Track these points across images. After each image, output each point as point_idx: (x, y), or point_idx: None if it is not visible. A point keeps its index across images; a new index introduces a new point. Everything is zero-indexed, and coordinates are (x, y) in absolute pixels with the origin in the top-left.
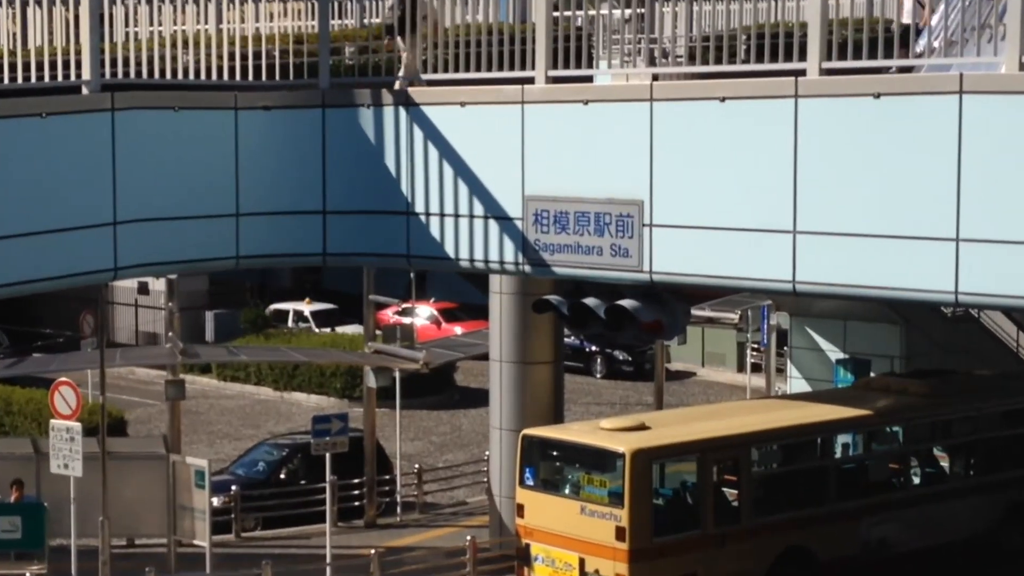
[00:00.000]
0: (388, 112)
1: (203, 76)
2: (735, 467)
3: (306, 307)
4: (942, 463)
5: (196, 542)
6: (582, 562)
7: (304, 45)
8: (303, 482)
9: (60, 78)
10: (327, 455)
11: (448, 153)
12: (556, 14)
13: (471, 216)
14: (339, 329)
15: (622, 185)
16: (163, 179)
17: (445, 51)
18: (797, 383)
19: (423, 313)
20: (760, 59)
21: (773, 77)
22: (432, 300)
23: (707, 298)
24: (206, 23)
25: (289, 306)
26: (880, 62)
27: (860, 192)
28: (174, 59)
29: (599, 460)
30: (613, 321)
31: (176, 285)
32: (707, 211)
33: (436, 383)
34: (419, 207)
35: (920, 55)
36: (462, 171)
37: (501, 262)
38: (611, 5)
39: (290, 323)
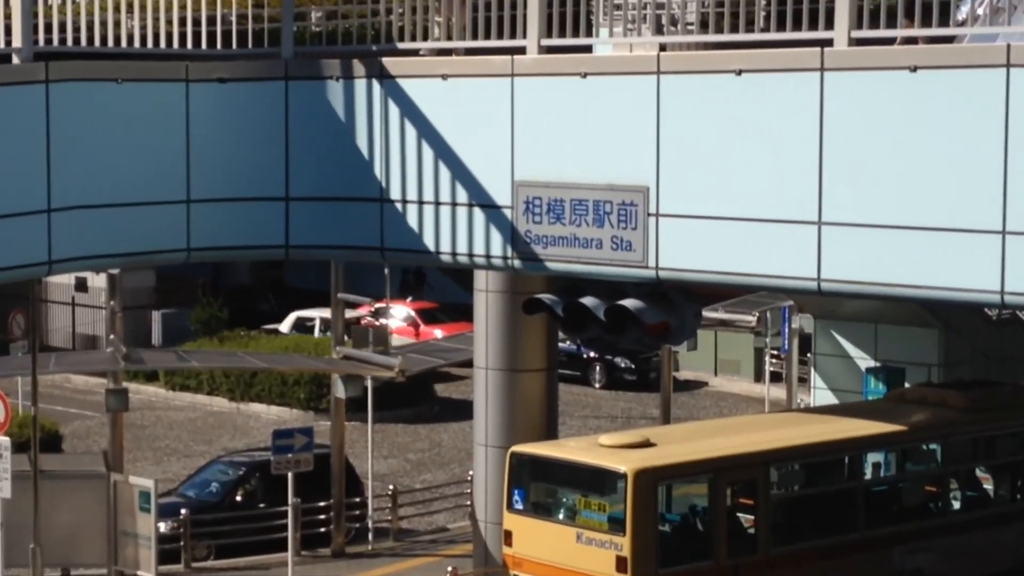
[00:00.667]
0: (360, 85)
1: (150, 44)
2: (752, 489)
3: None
4: (985, 485)
5: (140, 573)
6: None
7: (265, 9)
8: (262, 505)
9: None
10: (289, 474)
11: (427, 132)
12: None
13: (453, 204)
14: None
15: (625, 169)
16: (104, 161)
17: (424, 17)
18: (822, 394)
19: (399, 313)
20: (781, 27)
21: (796, 48)
22: (409, 299)
23: (720, 298)
24: None
25: (315, 313)
26: (917, 31)
27: (894, 178)
28: (117, 24)
29: (598, 481)
30: (614, 323)
31: (119, 281)
32: (721, 199)
33: (413, 393)
34: (394, 193)
35: (962, 23)
36: (443, 153)
37: (487, 256)
38: None
39: (316, 334)
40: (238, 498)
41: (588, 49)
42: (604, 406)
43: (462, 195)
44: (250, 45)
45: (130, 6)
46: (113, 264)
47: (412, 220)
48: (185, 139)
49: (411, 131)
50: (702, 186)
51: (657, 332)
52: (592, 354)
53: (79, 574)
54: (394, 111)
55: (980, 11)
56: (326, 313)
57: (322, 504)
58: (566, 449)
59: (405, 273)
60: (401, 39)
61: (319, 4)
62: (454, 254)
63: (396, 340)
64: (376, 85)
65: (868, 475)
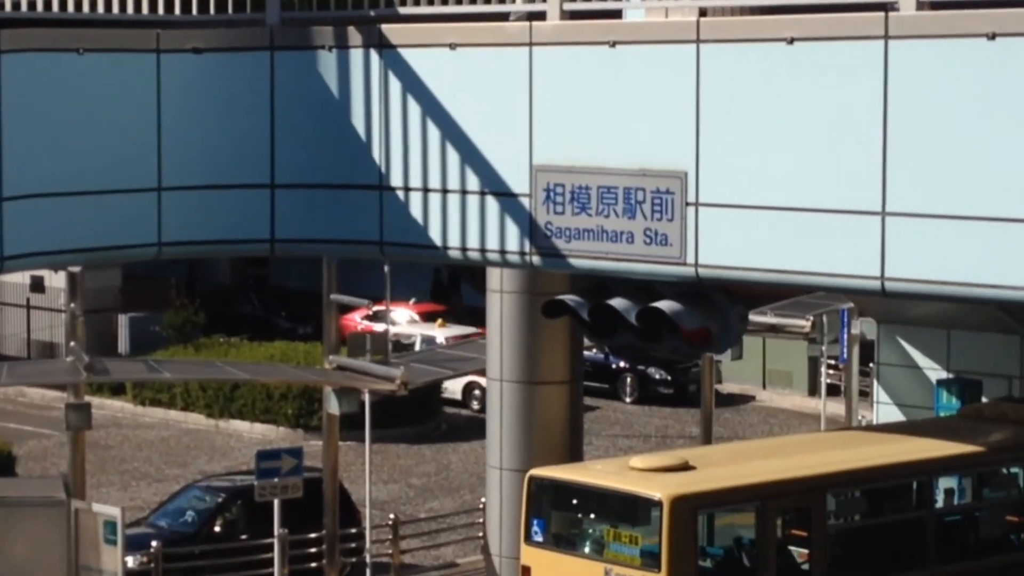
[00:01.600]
0: (356, 56)
1: (115, 9)
2: (805, 519)
3: (439, 331)
4: None
5: None
6: None
7: None
8: (244, 537)
9: None
10: (275, 502)
11: (434, 110)
12: None
13: (463, 192)
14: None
15: (659, 152)
16: (63, 143)
17: None
18: (886, 410)
19: (400, 318)
20: None
21: (857, 12)
22: (412, 301)
23: (770, 299)
24: None
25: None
26: None
27: (970, 162)
28: None
29: (629, 509)
30: (647, 329)
31: (80, 280)
32: (769, 186)
33: (417, 409)
34: (396, 180)
35: None
36: (452, 133)
37: (502, 252)
38: None
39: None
40: (217, 529)
41: (618, 14)
42: (636, 424)
43: (473, 182)
44: (230, 10)
45: None
46: (73, 261)
47: (416, 211)
48: (156, 118)
49: (415, 108)
50: (748, 171)
51: (696, 339)
52: (622, 364)
53: None
54: (395, 86)
55: None
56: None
57: (313, 536)
58: (592, 473)
59: (438, 273)
60: (403, 3)
61: None
62: (464, 249)
63: (417, 342)
64: (374, 56)
65: (939, 503)
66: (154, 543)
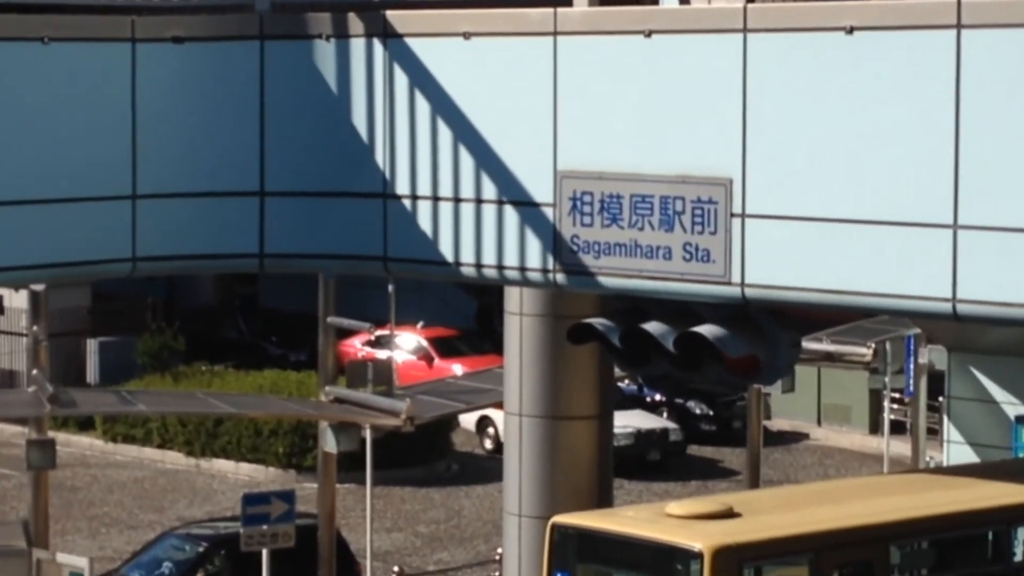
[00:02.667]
0: (357, 46)
1: None
2: (866, 574)
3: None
4: None
5: None
6: None
7: None
8: None
9: None
10: (264, 552)
11: (445, 108)
12: None
13: (478, 201)
14: None
15: (701, 156)
16: (26, 144)
17: None
18: (958, 450)
19: (406, 343)
20: None
21: None
22: (420, 325)
23: (826, 324)
24: None
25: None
26: None
27: None
28: None
29: (664, 562)
30: (687, 356)
31: (44, 301)
32: (826, 195)
33: (425, 447)
34: (402, 187)
35: None
36: (465, 134)
37: (522, 268)
38: None
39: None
40: None
41: (654, 0)
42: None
43: (489, 189)
44: None
45: None
46: (36, 278)
47: (424, 222)
48: (130, 116)
49: (423, 106)
50: (802, 178)
51: (743, 368)
52: (658, 397)
53: None
54: (401, 80)
55: None
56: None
57: None
58: (624, 521)
59: (483, 296)
60: None
61: None
62: (479, 266)
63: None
64: (378, 46)
65: (1019, 556)
66: None
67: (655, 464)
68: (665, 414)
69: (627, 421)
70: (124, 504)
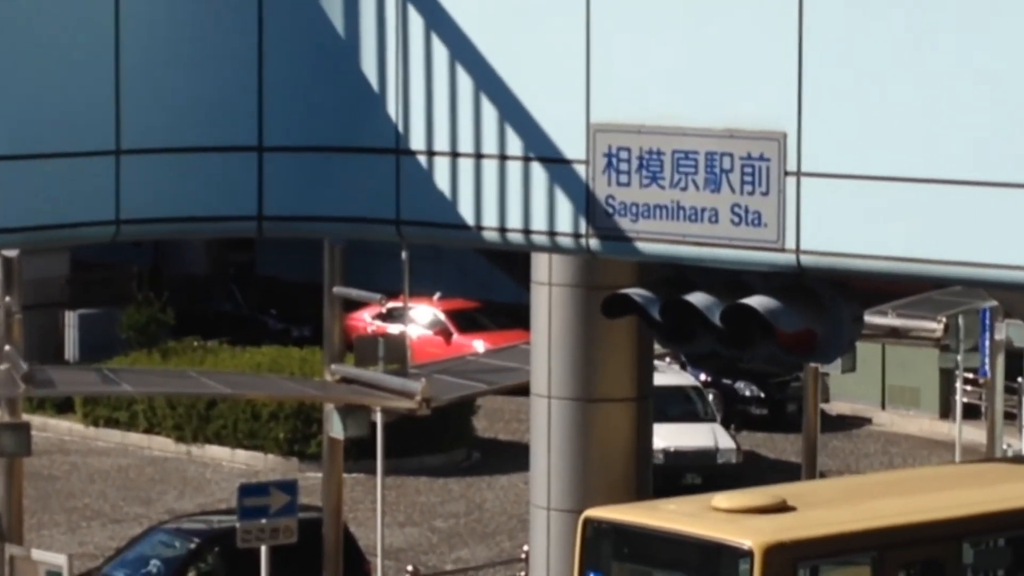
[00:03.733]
0: None
1: None
2: (937, 574)
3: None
4: None
5: None
6: None
7: None
8: None
9: None
10: (263, 548)
11: (465, 52)
12: None
13: (502, 157)
14: None
15: (752, 106)
16: None
17: None
18: None
19: (422, 317)
20: None
21: None
22: (437, 296)
23: (891, 296)
24: None
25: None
26: None
27: None
28: None
29: (710, 560)
30: (735, 332)
31: (17, 268)
32: (895, 150)
33: (443, 433)
34: (417, 142)
35: None
36: (488, 82)
37: (551, 233)
38: None
39: None
40: None
41: None
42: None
43: (515, 144)
44: None
45: None
46: (9, 243)
47: (442, 180)
48: (113, 61)
49: (441, 50)
50: (866, 131)
51: (798, 345)
52: (703, 377)
53: None
54: (416, 21)
55: None
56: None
57: None
58: (664, 515)
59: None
60: None
61: None
62: (503, 230)
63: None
64: None
65: None
66: None
67: (694, 488)
68: (719, 417)
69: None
70: (107, 495)
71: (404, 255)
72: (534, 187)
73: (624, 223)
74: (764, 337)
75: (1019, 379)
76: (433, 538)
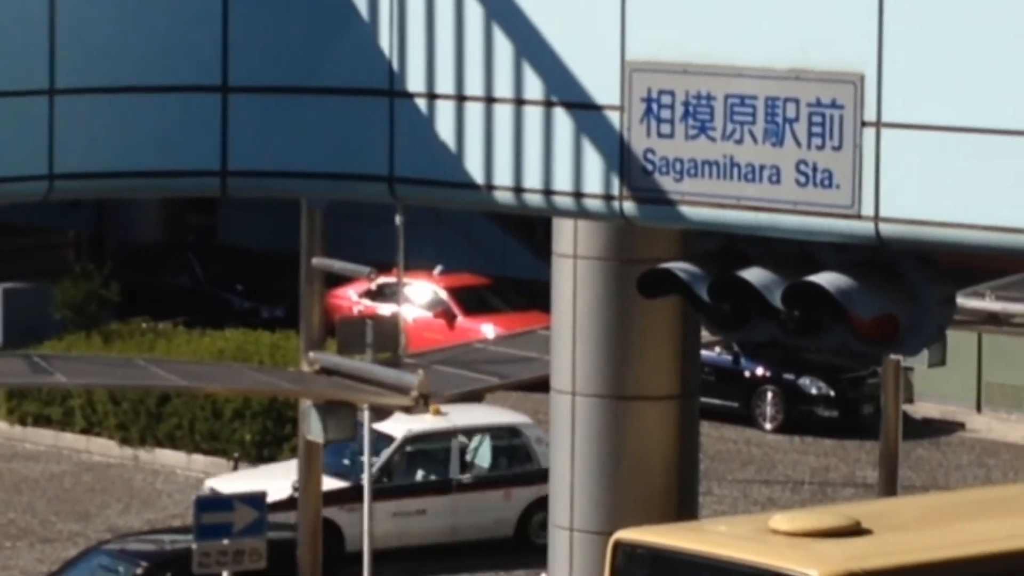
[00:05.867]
0: None
1: None
2: None
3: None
4: None
5: None
6: None
7: None
8: None
9: None
10: (224, 575)
11: None
12: None
13: (518, 102)
14: None
15: (822, 42)
16: None
17: None
18: None
19: (419, 295)
20: None
21: None
22: (438, 270)
23: (989, 276)
24: None
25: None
26: None
27: None
28: None
29: None
30: (800, 316)
31: None
32: (996, 97)
33: None
34: (414, 83)
35: None
36: (501, 11)
37: (577, 194)
38: None
39: None
40: None
41: None
42: (781, 462)
43: (533, 86)
44: None
45: None
46: None
47: (445, 129)
48: None
49: None
50: (965, 70)
51: (876, 333)
52: (760, 370)
53: None
54: None
55: None
56: None
57: None
58: (712, 538)
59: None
60: None
61: None
62: (518, 190)
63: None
64: None
65: None
66: None
67: None
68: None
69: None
70: (36, 509)
71: (398, 220)
72: (557, 138)
73: (666, 183)
74: (835, 323)
75: None
76: (430, 561)
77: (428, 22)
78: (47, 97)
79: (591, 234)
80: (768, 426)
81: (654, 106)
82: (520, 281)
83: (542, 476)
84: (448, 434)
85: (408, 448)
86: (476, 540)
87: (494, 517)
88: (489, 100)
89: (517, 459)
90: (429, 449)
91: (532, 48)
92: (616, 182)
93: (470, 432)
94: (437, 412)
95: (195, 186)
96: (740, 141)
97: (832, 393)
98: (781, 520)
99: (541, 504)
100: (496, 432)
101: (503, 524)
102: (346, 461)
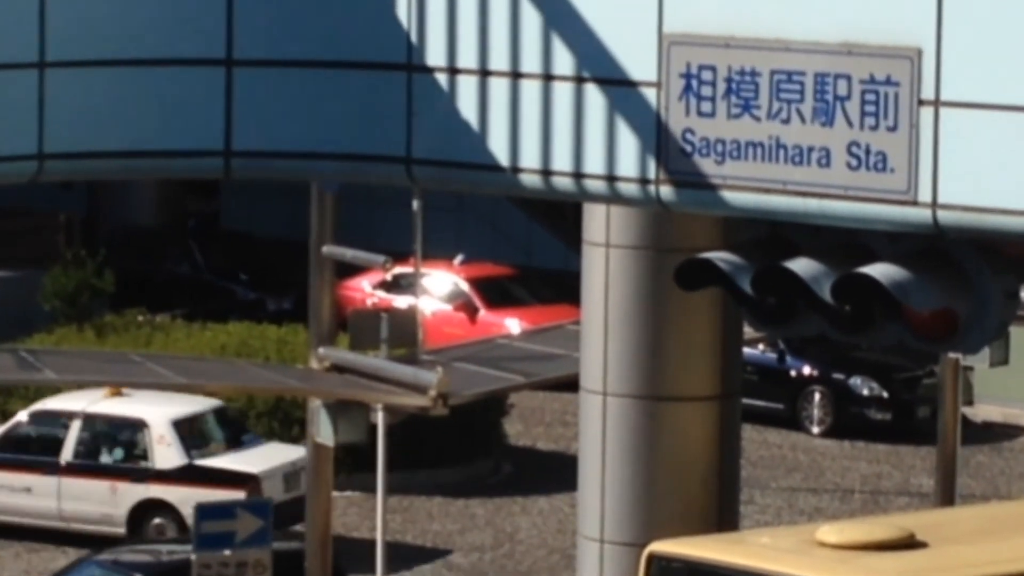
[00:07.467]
0: None
1: None
2: None
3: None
4: None
5: None
6: None
7: None
8: None
9: None
10: None
11: None
12: None
13: (546, 77)
14: None
15: (876, 14)
16: None
17: None
18: None
19: (438, 286)
20: None
21: None
22: (458, 260)
23: None
24: None
25: None
26: None
27: None
28: None
29: None
30: (851, 311)
31: None
32: None
33: (464, 440)
34: (434, 55)
35: None
36: None
37: (610, 178)
38: None
39: None
40: None
41: None
42: (830, 468)
43: (563, 61)
44: None
45: None
46: None
47: (467, 107)
48: None
49: None
50: None
51: (933, 329)
52: (807, 370)
53: None
54: None
55: None
56: None
57: None
58: (754, 550)
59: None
60: None
61: None
62: (546, 173)
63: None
64: None
65: None
66: None
67: None
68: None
69: None
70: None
71: (416, 205)
72: (588, 117)
73: (706, 165)
74: (888, 318)
75: None
76: (452, 574)
77: None
78: (36, 71)
79: (625, 221)
80: (815, 430)
81: (694, 82)
82: (548, 272)
83: (152, 476)
84: (70, 416)
85: (29, 425)
86: (88, 532)
87: (100, 511)
88: (515, 75)
89: (133, 455)
90: (48, 430)
91: (562, 19)
92: (652, 165)
93: (93, 419)
94: (116, 394)
95: (197, 167)
96: (787, 121)
97: (885, 394)
98: (829, 532)
99: (152, 506)
100: (120, 423)
101: (110, 518)
102: None
